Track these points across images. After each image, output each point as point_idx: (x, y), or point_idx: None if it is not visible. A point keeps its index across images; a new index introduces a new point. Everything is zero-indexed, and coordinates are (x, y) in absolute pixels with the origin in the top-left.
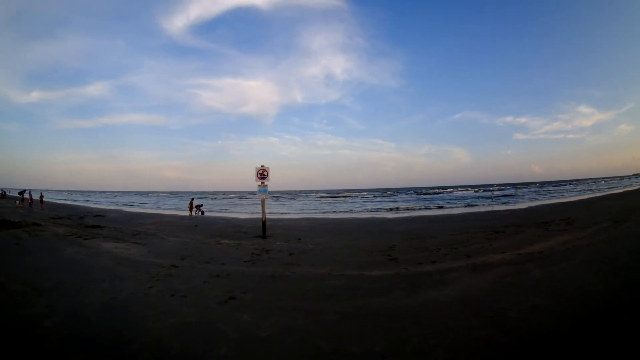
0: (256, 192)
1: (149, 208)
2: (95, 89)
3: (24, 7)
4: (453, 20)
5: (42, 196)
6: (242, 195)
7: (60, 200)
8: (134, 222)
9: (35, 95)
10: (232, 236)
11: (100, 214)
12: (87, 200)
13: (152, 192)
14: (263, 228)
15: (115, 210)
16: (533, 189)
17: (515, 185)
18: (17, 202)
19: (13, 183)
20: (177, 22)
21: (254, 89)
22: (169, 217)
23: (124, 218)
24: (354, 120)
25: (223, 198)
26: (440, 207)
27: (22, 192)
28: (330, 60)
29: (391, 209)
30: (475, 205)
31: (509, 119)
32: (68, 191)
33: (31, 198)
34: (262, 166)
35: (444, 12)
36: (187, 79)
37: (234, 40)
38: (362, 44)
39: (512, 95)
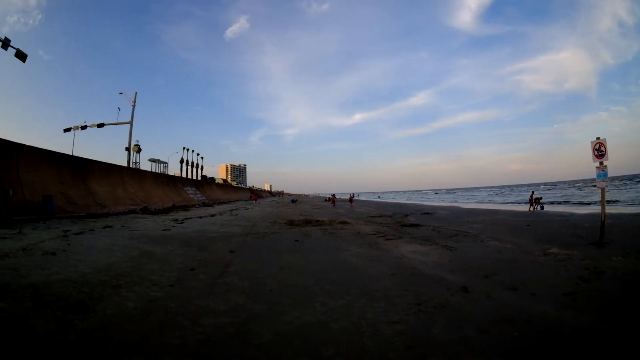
0: (595, 177)
1: (486, 203)
2: (419, 99)
3: (321, 53)
4: None
5: (351, 197)
6: (585, 183)
7: (395, 200)
8: (461, 220)
9: (358, 117)
10: (564, 242)
11: (428, 212)
12: (424, 199)
13: (497, 187)
14: (601, 231)
15: (448, 207)
16: None
17: None
18: (325, 200)
19: (354, 189)
20: (464, 17)
21: (567, 60)
22: (503, 214)
23: (452, 216)
24: None
25: (573, 187)
26: None
27: (333, 196)
28: (613, 3)
29: None
30: None
31: None
32: (412, 191)
33: (333, 199)
34: (597, 139)
35: None
36: (503, 67)
37: (523, 14)
38: None
39: None
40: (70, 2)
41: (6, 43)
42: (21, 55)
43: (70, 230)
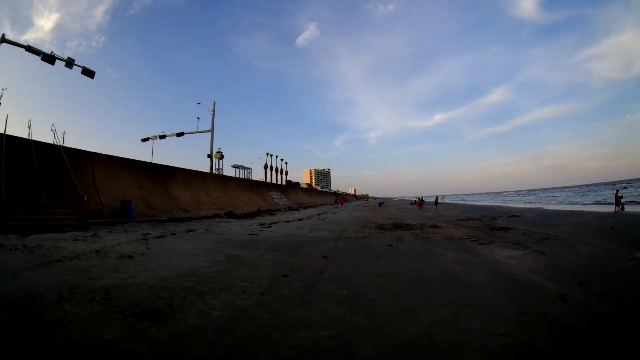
0: None
1: (568, 204)
2: (496, 96)
3: (393, 54)
4: None
5: (436, 199)
6: None
7: (479, 202)
8: (549, 223)
9: (438, 117)
10: None
11: (515, 214)
12: (506, 200)
13: (576, 186)
14: None
15: (534, 209)
16: None
17: None
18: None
19: (437, 191)
20: (527, 5)
21: (629, 41)
22: (587, 215)
23: (539, 218)
24: None
25: None
26: None
27: (421, 198)
28: None
29: None
30: None
31: None
32: (493, 193)
33: (419, 202)
34: None
35: None
36: (573, 55)
37: None
38: None
39: None
40: (132, 24)
41: (70, 62)
42: (88, 72)
43: (150, 234)
